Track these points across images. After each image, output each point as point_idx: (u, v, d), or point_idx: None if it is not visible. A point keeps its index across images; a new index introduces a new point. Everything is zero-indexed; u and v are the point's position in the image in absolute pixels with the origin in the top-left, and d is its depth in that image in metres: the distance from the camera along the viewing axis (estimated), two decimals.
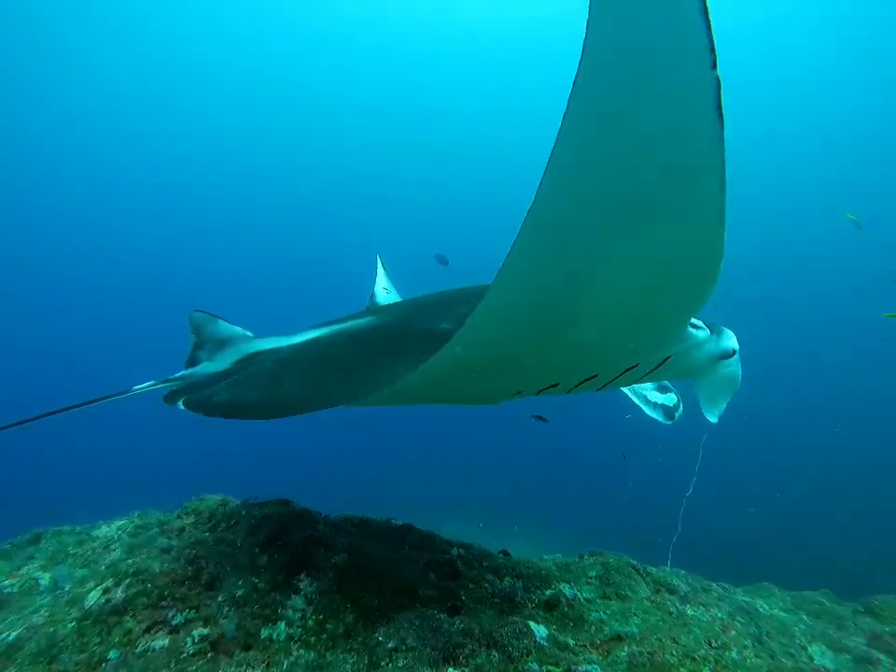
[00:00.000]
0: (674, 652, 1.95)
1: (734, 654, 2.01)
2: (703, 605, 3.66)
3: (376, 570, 2.67)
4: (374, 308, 3.08)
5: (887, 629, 3.97)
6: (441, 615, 2.20)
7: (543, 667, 1.65)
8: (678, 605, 3.23)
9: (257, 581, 2.57)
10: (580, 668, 1.60)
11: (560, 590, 2.75)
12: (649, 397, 3.51)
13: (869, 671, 3.63)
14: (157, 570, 2.46)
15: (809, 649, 3.75)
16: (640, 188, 1.22)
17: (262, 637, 2.27)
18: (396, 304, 3.14)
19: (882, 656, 3.74)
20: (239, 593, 2.44)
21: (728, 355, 2.70)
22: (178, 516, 3.53)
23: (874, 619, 4.13)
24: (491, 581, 2.74)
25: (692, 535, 5.38)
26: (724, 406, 2.91)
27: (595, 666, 1.60)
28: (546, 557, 3.86)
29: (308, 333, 2.96)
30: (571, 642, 2.25)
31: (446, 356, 1.65)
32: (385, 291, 4.45)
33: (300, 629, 2.32)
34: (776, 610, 4.13)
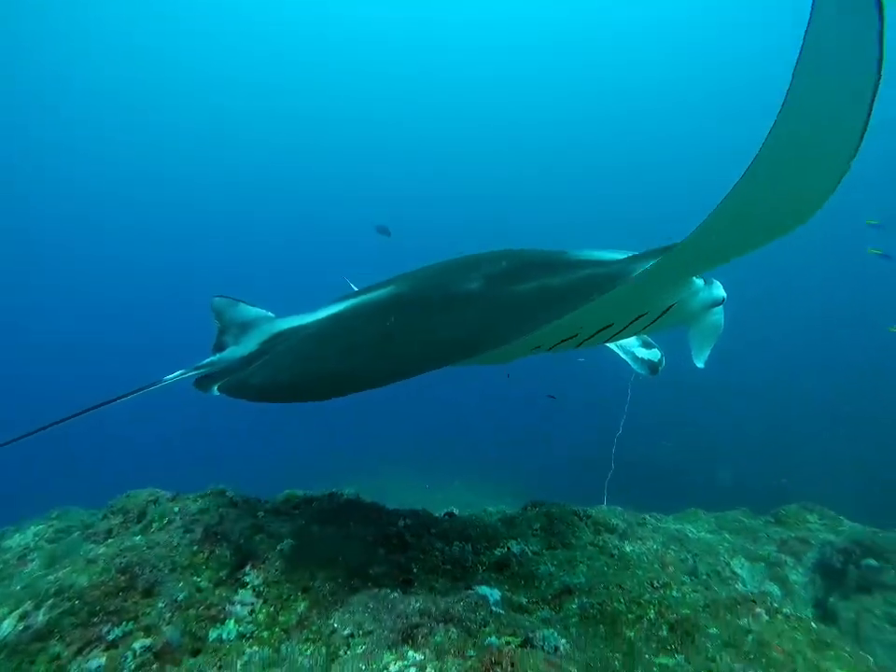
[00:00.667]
0: (621, 599, 2.07)
1: (674, 593, 2.16)
2: (640, 539, 3.92)
3: (324, 553, 2.62)
4: (385, 282, 3.02)
5: (792, 535, 4.44)
6: (395, 593, 2.20)
7: (502, 639, 1.68)
8: (617, 544, 3.44)
9: (199, 580, 2.46)
10: (536, 634, 1.64)
11: (509, 548, 2.84)
12: (636, 353, 3.70)
13: (778, 572, 4.09)
14: (84, 584, 2.28)
15: (732, 563, 4.14)
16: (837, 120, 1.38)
17: (211, 639, 2.18)
18: (406, 275, 3.05)
19: (788, 558, 4.21)
20: (181, 596, 2.32)
21: (718, 302, 2.88)
22: (104, 516, 3.30)
23: (782, 527, 4.61)
24: (441, 549, 2.77)
25: (625, 472, 5.72)
26: (709, 352, 3.08)
27: (552, 630, 1.65)
28: (491, 511, 3.97)
29: (329, 309, 2.91)
30: (524, 600, 2.33)
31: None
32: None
33: (250, 625, 2.25)
34: (702, 533, 4.50)
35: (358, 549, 2.75)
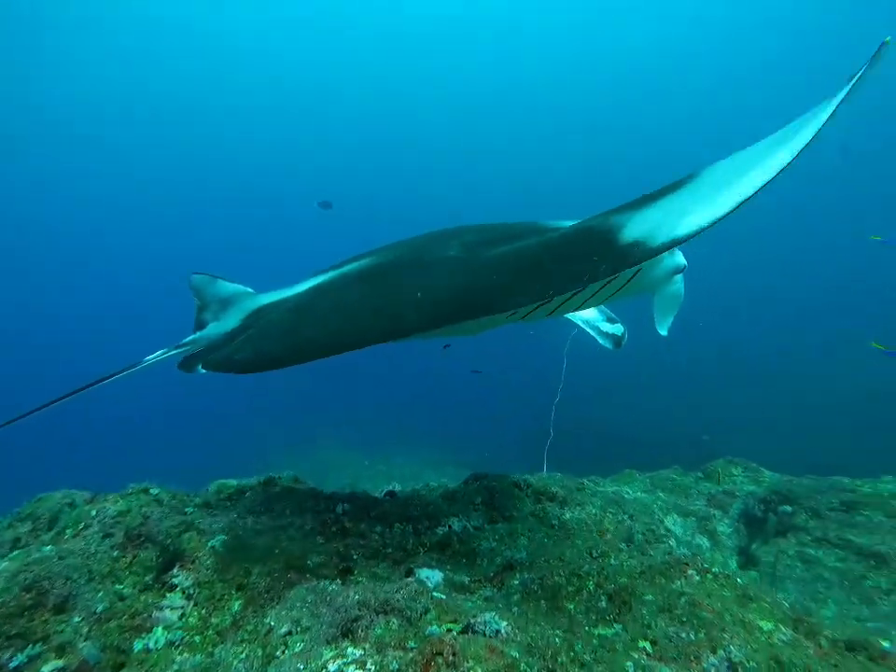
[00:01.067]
0: (561, 573, 2.09)
1: (612, 561, 2.21)
2: (579, 504, 4.03)
3: (260, 547, 2.52)
4: (364, 253, 3.01)
5: (720, 489, 4.71)
6: (334, 584, 2.13)
7: (443, 626, 1.66)
8: (558, 512, 3.51)
9: (121, 588, 2.30)
10: (478, 619, 1.62)
11: (450, 526, 2.82)
12: (601, 328, 3.83)
13: (707, 526, 4.34)
14: None
15: (666, 520, 4.35)
16: None
17: (136, 650, 2.05)
18: (385, 247, 3.03)
19: (716, 511, 4.47)
20: (100, 607, 2.16)
21: (680, 269, 2.95)
22: (10, 525, 3.03)
23: (710, 482, 4.88)
24: (381, 533, 2.72)
25: (564, 437, 5.86)
26: (671, 320, 3.16)
27: (493, 613, 1.63)
28: (433, 485, 3.96)
29: (309, 282, 2.88)
30: (467, 580, 2.33)
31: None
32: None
33: (180, 631, 2.13)
34: (638, 493, 4.70)
35: (296, 539, 2.66)
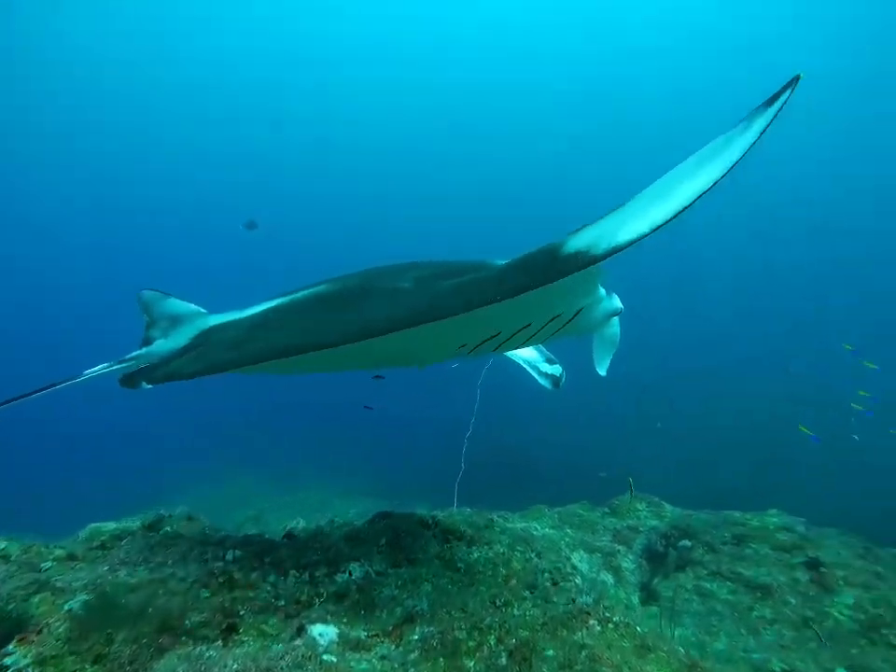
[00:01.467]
0: (462, 626, 2.01)
1: (515, 611, 2.16)
2: (487, 543, 3.97)
3: (131, 606, 2.23)
4: (316, 282, 3.08)
5: (624, 524, 4.84)
6: (213, 649, 1.92)
7: None
8: (464, 553, 3.44)
9: None
10: None
11: (350, 573, 2.66)
12: (540, 368, 3.97)
13: (612, 562, 4.43)
14: None
15: (573, 557, 4.39)
16: None
17: None
18: (338, 277, 3.10)
19: (621, 547, 4.58)
20: None
21: (617, 312, 3.16)
22: None
23: (616, 518, 5.01)
24: (273, 583, 2.51)
25: (476, 471, 5.84)
26: (609, 360, 3.37)
27: None
28: (338, 522, 3.77)
29: (261, 305, 2.92)
30: (364, 634, 2.18)
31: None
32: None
33: None
34: (547, 529, 4.72)
35: (176, 593, 2.39)
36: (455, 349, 2.71)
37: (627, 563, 4.35)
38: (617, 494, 5.38)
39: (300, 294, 2.91)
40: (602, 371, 3.37)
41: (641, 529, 4.68)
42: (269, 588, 2.49)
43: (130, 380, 2.53)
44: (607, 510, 5.18)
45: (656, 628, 3.60)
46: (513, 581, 2.60)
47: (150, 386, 2.39)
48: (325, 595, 2.46)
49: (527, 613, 2.10)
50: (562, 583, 3.89)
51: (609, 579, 4.17)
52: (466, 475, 5.59)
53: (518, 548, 4.10)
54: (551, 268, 1.90)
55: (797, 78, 1.69)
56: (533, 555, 4.09)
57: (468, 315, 1.99)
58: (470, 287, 2.29)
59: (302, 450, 15.74)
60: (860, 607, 3.73)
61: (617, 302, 3.13)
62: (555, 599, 2.37)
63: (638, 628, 1.94)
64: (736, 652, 3.50)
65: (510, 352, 3.80)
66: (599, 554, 4.44)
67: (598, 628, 1.92)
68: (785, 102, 1.68)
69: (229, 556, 2.66)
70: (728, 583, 4.05)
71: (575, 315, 2.76)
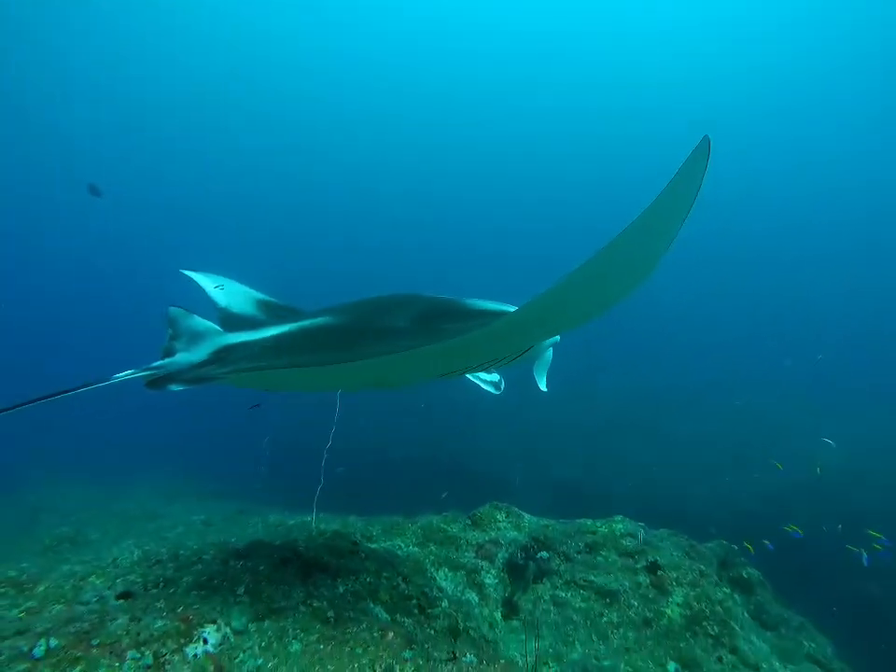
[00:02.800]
0: None
1: None
2: (353, 573, 3.85)
3: None
4: (316, 311, 3.60)
5: (486, 538, 5.00)
6: None
7: None
8: (329, 587, 3.28)
9: None
10: None
11: (204, 641, 2.35)
12: (483, 377, 4.37)
13: (475, 579, 4.54)
14: None
15: (437, 577, 4.43)
16: None
17: None
18: (338, 307, 3.61)
19: (483, 563, 4.72)
20: None
21: (555, 343, 3.89)
22: None
23: (478, 530, 5.16)
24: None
25: (335, 484, 5.66)
26: (545, 378, 3.99)
27: None
28: (185, 581, 3.34)
29: (270, 330, 3.39)
30: None
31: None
32: (220, 289, 4.74)
33: None
34: (411, 547, 4.72)
35: None
36: (433, 374, 3.21)
37: (490, 579, 4.49)
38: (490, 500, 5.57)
39: (303, 324, 3.38)
40: (543, 387, 3.95)
41: (502, 542, 4.87)
42: None
43: (156, 383, 2.95)
44: (468, 521, 5.31)
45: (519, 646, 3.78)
46: (389, 636, 2.49)
47: (179, 388, 2.87)
48: None
49: None
50: (429, 609, 3.92)
51: (474, 597, 4.27)
52: (328, 487, 5.38)
53: (385, 574, 4.04)
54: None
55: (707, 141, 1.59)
56: (400, 580, 4.06)
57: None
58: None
59: (133, 451, 14.15)
60: (687, 604, 4.26)
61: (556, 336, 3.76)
62: (435, 654, 2.32)
63: None
64: (590, 661, 3.79)
65: None
66: (463, 572, 4.54)
67: None
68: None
69: (38, 652, 2.19)
70: (581, 591, 4.37)
71: (523, 353, 3.42)
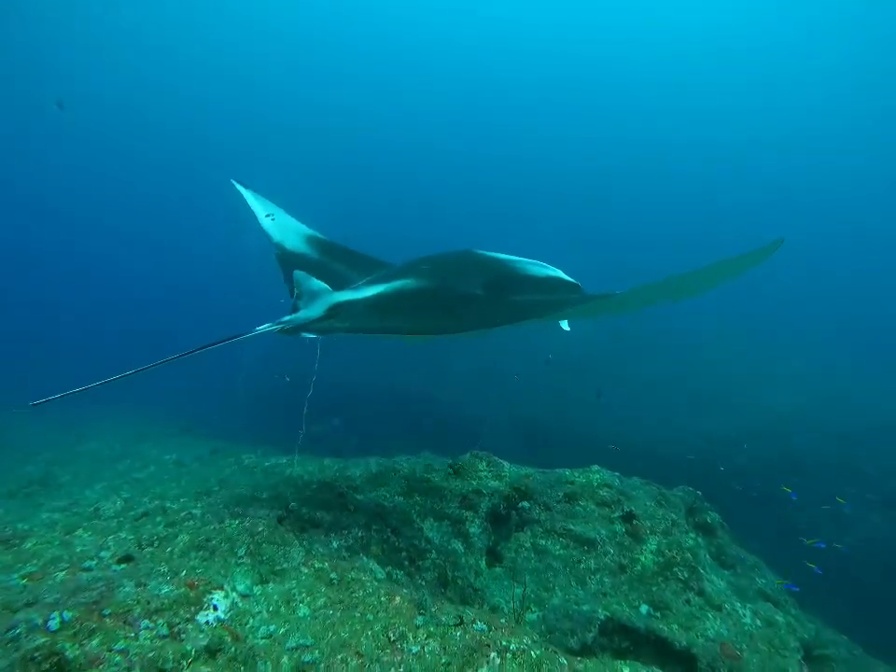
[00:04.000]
0: None
1: (413, 648, 2.20)
2: (345, 528, 4.00)
3: None
4: (405, 268, 4.36)
5: (469, 488, 5.20)
6: None
7: None
8: (323, 542, 3.41)
9: None
10: None
11: (210, 612, 2.44)
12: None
13: (461, 529, 4.77)
14: None
15: (424, 527, 4.64)
16: None
17: None
18: (411, 266, 4.36)
19: (468, 513, 4.92)
20: None
21: None
22: None
23: (460, 479, 5.36)
24: (124, 651, 2.20)
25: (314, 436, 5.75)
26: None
27: None
28: (182, 541, 3.40)
29: (372, 288, 4.08)
30: None
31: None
32: (271, 219, 5.16)
33: None
34: (396, 498, 4.89)
35: None
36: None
37: (474, 528, 4.73)
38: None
39: (396, 285, 4.05)
40: (566, 328, 4.55)
41: (484, 492, 5.08)
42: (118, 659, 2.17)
43: (290, 332, 3.67)
44: (450, 470, 5.50)
45: (507, 597, 4.05)
46: (397, 600, 2.63)
47: (311, 336, 3.65)
48: (194, 653, 2.22)
49: (426, 650, 2.16)
50: (419, 561, 4.13)
51: (460, 547, 4.51)
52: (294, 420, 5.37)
53: (374, 527, 4.21)
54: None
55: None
56: (389, 532, 4.25)
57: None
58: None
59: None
60: (660, 552, 4.61)
61: None
62: (443, 618, 2.48)
63: (534, 652, 2.12)
64: (570, 605, 4.10)
65: None
66: (448, 522, 4.75)
67: (498, 661, 2.07)
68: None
69: (53, 625, 2.23)
70: (561, 540, 4.66)
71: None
